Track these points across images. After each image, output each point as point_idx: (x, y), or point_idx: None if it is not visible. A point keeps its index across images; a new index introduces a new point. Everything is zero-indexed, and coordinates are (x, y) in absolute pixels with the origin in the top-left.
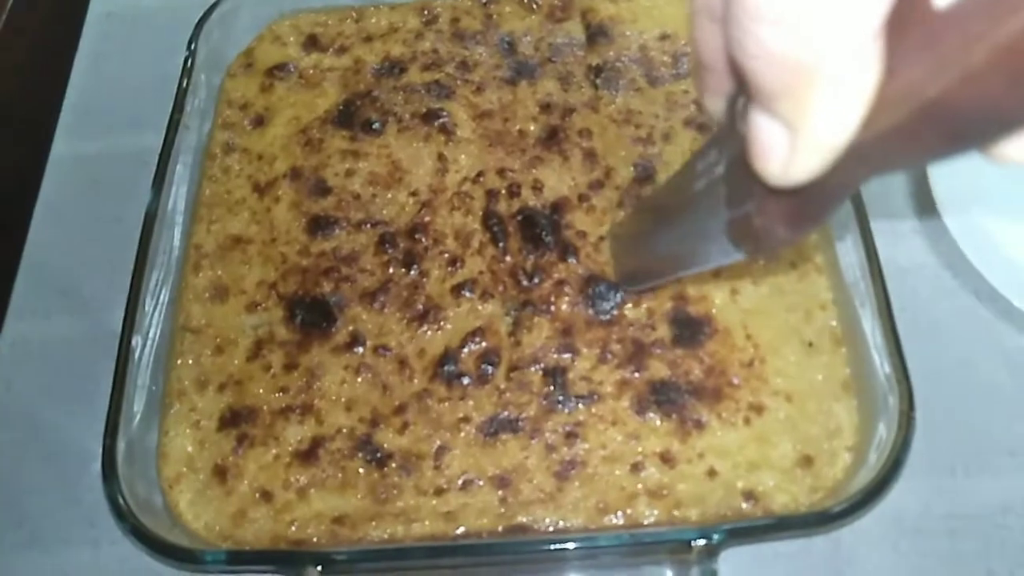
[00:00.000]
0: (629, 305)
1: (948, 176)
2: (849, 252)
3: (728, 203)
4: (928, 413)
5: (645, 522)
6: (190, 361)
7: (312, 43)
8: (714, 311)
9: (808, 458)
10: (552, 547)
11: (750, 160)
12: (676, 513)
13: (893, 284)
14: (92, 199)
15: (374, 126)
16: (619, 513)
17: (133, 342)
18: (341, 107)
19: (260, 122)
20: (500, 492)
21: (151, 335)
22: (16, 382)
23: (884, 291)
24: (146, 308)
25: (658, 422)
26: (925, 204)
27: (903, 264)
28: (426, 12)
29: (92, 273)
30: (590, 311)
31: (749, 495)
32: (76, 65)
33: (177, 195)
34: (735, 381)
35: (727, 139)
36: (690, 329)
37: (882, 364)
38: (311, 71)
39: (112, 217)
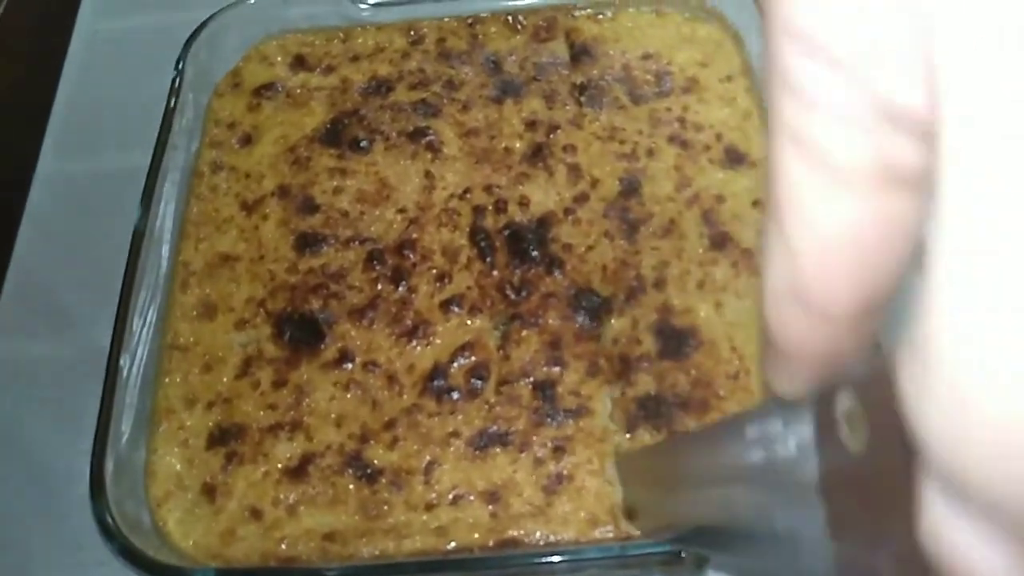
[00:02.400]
0: (615, 316)
1: None
2: None
3: (832, 531)
4: None
5: (635, 534)
6: (178, 379)
7: (299, 63)
8: (699, 323)
9: None
10: (543, 560)
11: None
12: None
13: None
14: (78, 218)
15: (361, 144)
16: (609, 526)
17: (121, 361)
18: (328, 126)
19: (247, 141)
20: (490, 506)
21: (139, 354)
22: (1, 403)
23: None
24: (134, 327)
25: (647, 437)
26: None
27: None
28: (412, 32)
29: (78, 292)
30: (578, 324)
31: None
32: (62, 85)
33: (165, 213)
34: (721, 393)
35: (814, 436)
36: (676, 342)
37: None
38: (298, 90)
39: (98, 236)
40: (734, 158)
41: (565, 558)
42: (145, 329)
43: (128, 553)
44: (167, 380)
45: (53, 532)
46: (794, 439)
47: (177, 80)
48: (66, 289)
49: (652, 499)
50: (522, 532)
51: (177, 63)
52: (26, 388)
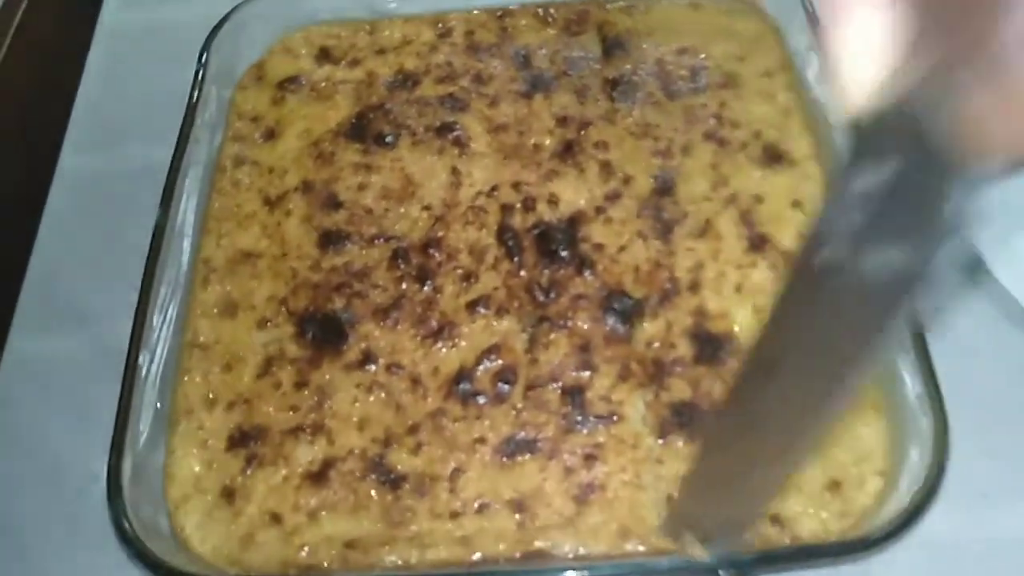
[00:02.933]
0: (648, 319)
1: None
2: None
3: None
4: (958, 435)
5: (670, 548)
6: (198, 379)
7: (324, 56)
8: (736, 328)
9: (836, 482)
10: (572, 574)
11: None
12: None
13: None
14: (99, 213)
15: (387, 139)
16: (641, 538)
17: (140, 359)
18: (354, 120)
19: (271, 135)
20: (517, 516)
21: (158, 352)
22: (18, 400)
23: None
24: (153, 324)
25: (680, 444)
26: None
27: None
28: (440, 25)
29: (97, 288)
30: (608, 326)
31: (776, 520)
32: (85, 78)
33: (186, 209)
34: None
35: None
36: (711, 347)
37: (913, 385)
38: (323, 84)
39: (119, 232)
40: (773, 157)
41: (595, 574)
42: (165, 327)
43: (144, 558)
44: (187, 379)
45: (71, 533)
46: (858, 179)
47: (200, 73)
48: (86, 286)
49: (730, 493)
50: (550, 544)
51: (200, 56)
52: (44, 386)
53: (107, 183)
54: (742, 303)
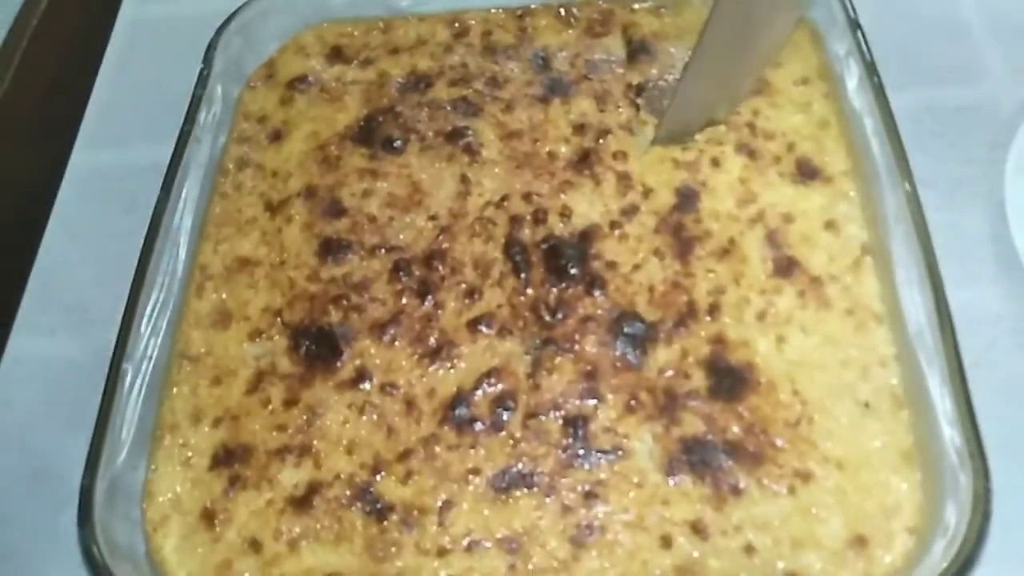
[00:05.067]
0: (661, 345)
1: None
2: (914, 299)
3: None
4: (1003, 491)
5: None
6: (186, 391)
7: (336, 54)
8: (757, 360)
9: (861, 538)
10: None
11: None
12: None
13: (964, 337)
14: (107, 211)
15: (395, 144)
16: None
17: (123, 368)
18: (362, 123)
19: (277, 136)
20: (508, 557)
21: (146, 361)
22: (15, 402)
23: (955, 346)
24: (142, 332)
25: (690, 485)
26: (1003, 248)
27: (976, 315)
28: (457, 24)
29: (100, 290)
30: (618, 352)
31: None
32: (101, 73)
33: (184, 211)
34: (779, 443)
35: None
36: (729, 379)
37: (951, 434)
38: (333, 84)
39: (125, 231)
40: (807, 172)
41: None
42: (155, 335)
43: None
44: (174, 391)
45: (55, 543)
46: None
47: (205, 71)
48: (88, 286)
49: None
50: None
51: (206, 53)
52: (41, 389)
53: (116, 181)
54: (764, 332)
